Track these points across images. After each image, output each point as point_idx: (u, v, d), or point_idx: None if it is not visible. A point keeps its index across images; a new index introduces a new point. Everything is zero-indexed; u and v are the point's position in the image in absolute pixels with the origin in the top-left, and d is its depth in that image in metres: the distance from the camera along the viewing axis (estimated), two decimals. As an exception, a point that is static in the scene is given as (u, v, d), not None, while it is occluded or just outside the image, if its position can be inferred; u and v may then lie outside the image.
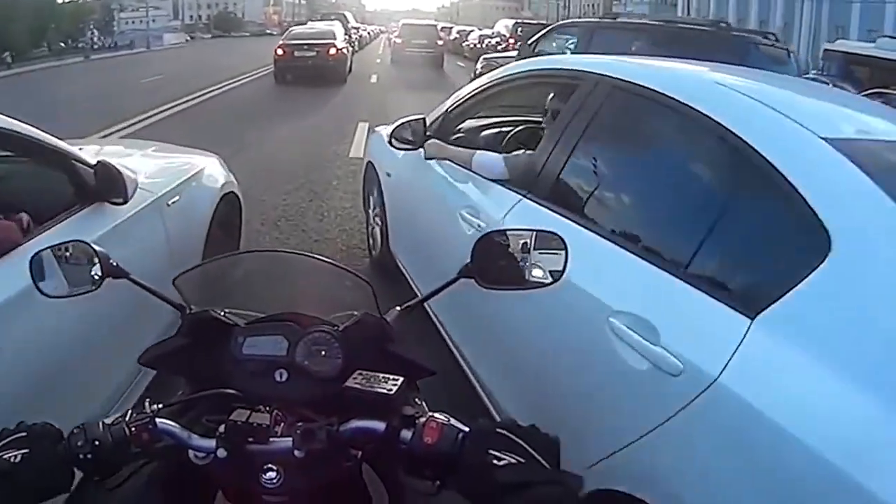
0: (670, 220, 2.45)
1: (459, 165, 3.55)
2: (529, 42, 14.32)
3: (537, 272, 1.60)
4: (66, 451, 1.22)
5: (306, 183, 8.84)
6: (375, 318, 1.56)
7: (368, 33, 57.63)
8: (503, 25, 31.44)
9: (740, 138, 2.14)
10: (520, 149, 3.68)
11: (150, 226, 3.52)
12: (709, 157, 2.42)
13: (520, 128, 4.39)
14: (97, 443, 1.22)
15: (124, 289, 1.67)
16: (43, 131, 2.87)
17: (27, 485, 1.16)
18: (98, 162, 3.06)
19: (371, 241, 5.92)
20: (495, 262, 1.61)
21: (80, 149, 3.87)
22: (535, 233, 1.62)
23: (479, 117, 4.71)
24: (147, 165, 4.10)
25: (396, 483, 1.49)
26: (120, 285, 1.65)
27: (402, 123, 4.19)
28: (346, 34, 27.26)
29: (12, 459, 1.17)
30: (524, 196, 3.01)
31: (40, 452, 1.20)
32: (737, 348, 1.79)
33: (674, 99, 2.47)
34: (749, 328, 1.80)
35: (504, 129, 4.59)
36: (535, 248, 1.60)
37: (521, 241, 1.61)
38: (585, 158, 2.86)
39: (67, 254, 1.68)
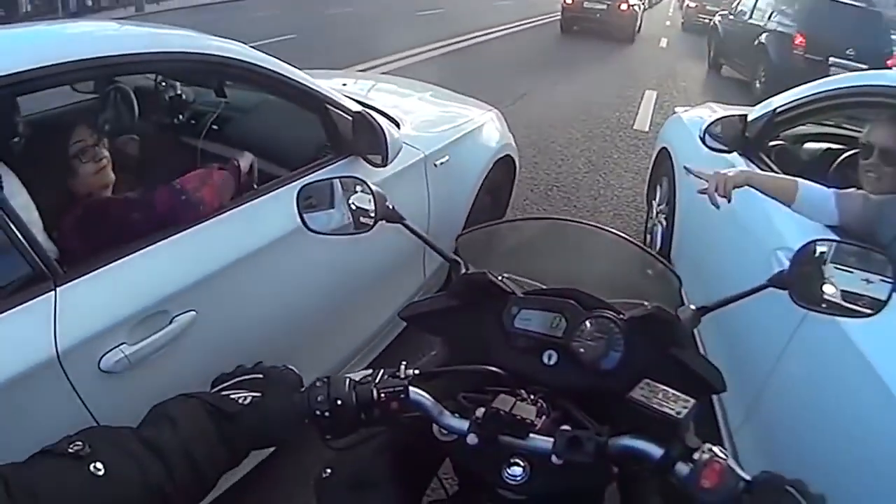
0: None
1: (774, 198, 2.72)
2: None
3: (843, 295, 1.40)
4: (304, 402, 1.18)
5: (584, 151, 8.42)
6: (668, 315, 1.41)
7: (660, -8, 55.31)
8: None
9: None
10: (849, 176, 3.07)
11: (410, 187, 3.32)
12: None
13: (852, 152, 3.57)
14: (339, 401, 1.18)
15: (387, 236, 1.67)
16: (295, 67, 2.69)
17: (251, 430, 1.14)
18: (357, 112, 2.86)
19: (649, 238, 5.38)
20: (815, 276, 1.42)
21: (344, 84, 3.88)
22: (854, 250, 1.45)
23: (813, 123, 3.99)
24: (418, 114, 3.90)
25: None
26: (385, 231, 1.62)
27: (717, 120, 3.60)
28: (639, -11, 26.02)
29: (241, 401, 1.15)
30: None
31: (275, 399, 1.18)
32: None
33: None
34: None
35: (833, 146, 3.88)
36: (846, 266, 1.41)
37: (832, 256, 1.42)
38: None
39: (340, 190, 1.63)
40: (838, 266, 1.42)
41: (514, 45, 18.01)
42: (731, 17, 16.71)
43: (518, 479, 1.23)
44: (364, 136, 2.85)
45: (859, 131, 3.93)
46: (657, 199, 5.26)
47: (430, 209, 3.43)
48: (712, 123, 3.57)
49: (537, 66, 14.53)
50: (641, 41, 22.05)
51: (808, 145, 4.03)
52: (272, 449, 2.27)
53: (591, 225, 1.86)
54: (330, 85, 3.05)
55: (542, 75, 13.13)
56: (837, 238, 1.56)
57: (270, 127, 3.15)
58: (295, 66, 2.68)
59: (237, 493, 2.23)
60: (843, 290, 1.41)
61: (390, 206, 1.61)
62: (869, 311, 1.38)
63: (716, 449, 1.13)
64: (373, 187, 1.60)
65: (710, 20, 19.31)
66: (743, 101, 13.06)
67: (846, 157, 3.54)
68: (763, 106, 3.69)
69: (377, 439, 1.39)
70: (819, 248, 1.43)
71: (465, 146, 3.93)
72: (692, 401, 1.22)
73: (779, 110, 3.51)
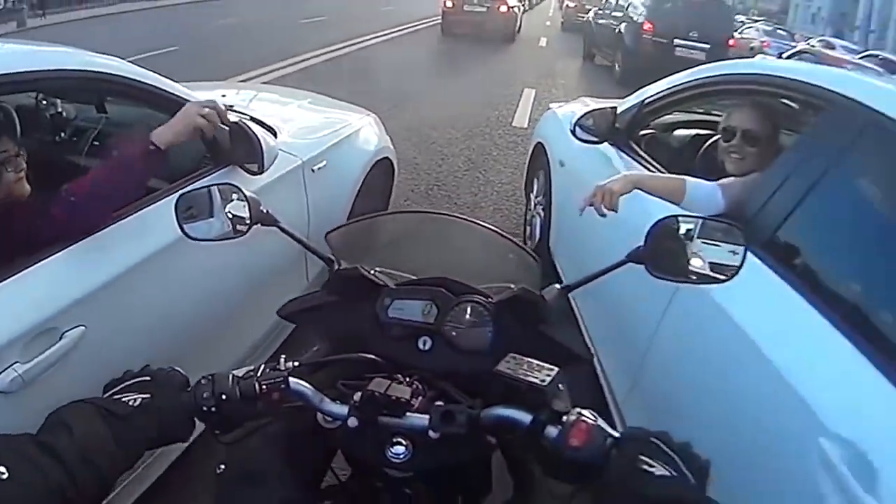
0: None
1: (664, 199, 2.71)
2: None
3: (711, 266, 1.51)
4: (191, 400, 1.21)
5: (464, 150, 8.46)
6: (533, 295, 1.51)
7: (540, -8, 56.14)
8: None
9: None
10: (714, 165, 3.15)
11: (289, 193, 3.33)
12: None
13: (717, 137, 3.74)
14: (224, 396, 1.21)
15: (269, 240, 1.71)
16: (169, 78, 2.67)
17: (144, 430, 1.16)
18: (234, 123, 2.83)
19: (528, 229, 5.49)
20: (669, 249, 1.51)
21: (223, 95, 3.90)
22: (715, 223, 1.55)
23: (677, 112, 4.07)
24: (295, 122, 3.89)
25: (528, 478, 1.45)
26: (266, 235, 1.66)
27: (588, 112, 3.67)
28: (518, -9, 26.39)
29: (131, 403, 1.17)
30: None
31: (162, 399, 1.20)
32: None
33: None
34: None
35: (700, 132, 3.97)
36: (711, 241, 1.52)
37: (700, 232, 1.52)
38: (824, 213, 2.29)
39: (218, 197, 1.65)
40: (705, 240, 1.52)
41: (397, 49, 18.04)
42: (601, 12, 19.11)
43: (402, 457, 1.29)
44: (241, 146, 2.84)
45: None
46: (534, 192, 5.36)
47: (310, 213, 3.41)
48: (583, 116, 3.63)
49: (419, 69, 14.64)
50: (521, 41, 22.41)
51: (678, 132, 4.14)
52: (181, 449, 2.47)
53: (454, 216, 1.92)
54: (209, 96, 3.00)
55: (423, 78, 13.24)
56: (687, 214, 1.63)
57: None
58: (174, 80, 2.66)
59: (148, 496, 2.38)
60: (710, 262, 1.51)
61: (264, 211, 1.63)
62: (723, 277, 1.49)
63: (584, 411, 1.19)
64: (247, 193, 1.62)
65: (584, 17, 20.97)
66: (610, 85, 14.56)
67: (712, 142, 3.66)
68: (633, 98, 3.77)
69: (266, 430, 1.41)
70: (685, 226, 1.53)
71: (342, 151, 3.95)
72: (556, 369, 1.28)
73: (647, 101, 3.59)
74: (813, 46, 25.43)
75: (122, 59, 2.47)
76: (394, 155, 4.78)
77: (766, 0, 64.13)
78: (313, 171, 3.51)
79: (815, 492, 1.60)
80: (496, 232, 1.80)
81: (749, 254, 2.00)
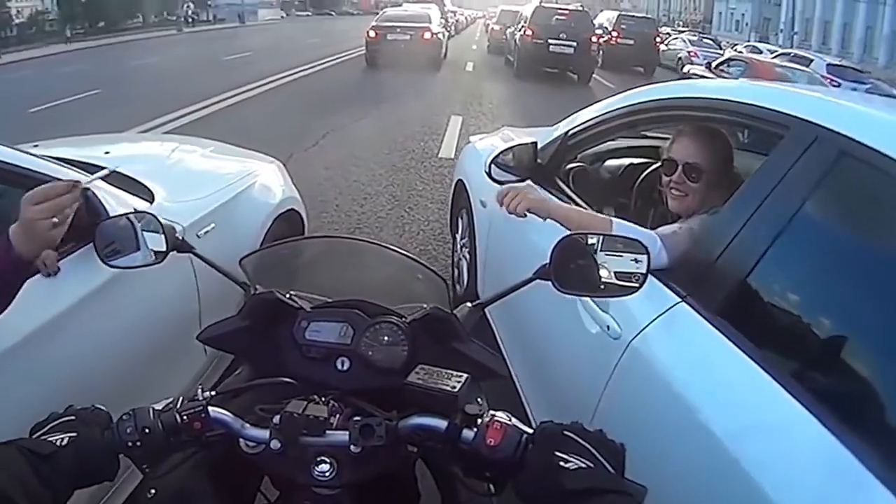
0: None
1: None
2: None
3: (617, 279, 1.55)
4: (114, 437, 1.20)
5: (388, 187, 8.00)
6: (445, 314, 1.56)
7: (465, 17, 56.10)
8: (605, 18, 29.75)
9: None
10: (654, 197, 2.94)
11: (169, 267, 2.75)
12: None
13: (656, 166, 3.31)
14: (146, 430, 1.21)
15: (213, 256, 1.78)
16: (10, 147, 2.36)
17: (69, 469, 1.14)
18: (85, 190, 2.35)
19: (456, 272, 5.07)
20: (574, 266, 1.56)
21: (107, 152, 3.64)
22: (618, 239, 1.58)
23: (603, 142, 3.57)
24: (180, 180, 3.45)
25: (451, 481, 1.49)
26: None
27: (506, 149, 3.22)
28: (441, 17, 26.22)
29: (58, 443, 1.15)
30: (683, 299, 2.05)
31: (87, 437, 1.18)
32: None
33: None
34: None
35: (635, 161, 3.58)
36: (615, 252, 1.55)
37: (602, 246, 1.56)
38: (794, 262, 1.90)
39: (135, 225, 1.70)
40: (609, 253, 1.55)
41: (320, 83, 17.60)
42: (513, 29, 23.75)
43: (327, 474, 1.30)
44: (94, 220, 2.35)
45: (663, 138, 3.66)
46: (459, 232, 4.99)
47: (199, 286, 2.97)
48: (499, 154, 3.19)
49: (342, 102, 14.04)
50: (447, 67, 22.29)
51: (609, 163, 3.74)
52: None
53: (364, 240, 2.00)
54: (90, 153, 3.14)
55: (346, 112, 12.64)
56: (591, 232, 1.62)
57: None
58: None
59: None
60: (616, 272, 1.55)
61: (180, 238, 1.70)
62: (635, 286, 1.55)
63: (498, 413, 1.23)
64: (161, 220, 1.68)
65: (507, 38, 25.77)
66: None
67: (650, 172, 3.26)
68: (553, 130, 3.37)
69: (192, 460, 1.40)
70: (590, 240, 1.56)
71: (236, 209, 3.49)
72: (465, 375, 1.32)
73: (569, 133, 3.18)
74: (740, 52, 25.73)
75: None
76: (301, 206, 4.31)
77: (690, 11, 65.43)
78: (198, 237, 3.05)
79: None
80: (404, 254, 1.83)
81: (702, 322, 1.92)
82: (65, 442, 1.16)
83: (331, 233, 6.04)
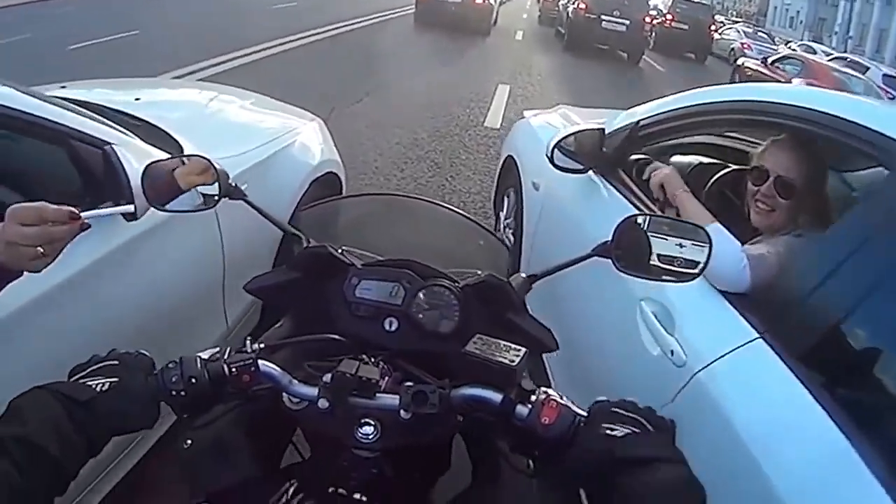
0: None
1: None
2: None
3: (677, 265, 1.49)
4: (158, 384, 1.19)
5: (430, 152, 7.80)
6: (500, 281, 1.53)
7: (517, -16, 55.48)
8: (661, 0, 29.17)
9: None
10: (725, 204, 2.69)
11: (191, 232, 2.67)
12: None
13: (729, 170, 3.05)
14: (193, 380, 1.20)
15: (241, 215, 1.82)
16: (43, 100, 2.17)
17: (108, 415, 1.12)
18: (106, 146, 2.25)
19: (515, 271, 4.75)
20: (635, 245, 1.50)
21: (137, 99, 3.39)
22: (682, 223, 1.57)
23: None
24: (214, 135, 3.25)
25: (494, 456, 1.45)
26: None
27: (570, 134, 2.98)
28: (494, -17, 25.83)
29: (97, 388, 1.13)
30: (761, 335, 1.85)
31: (129, 383, 1.17)
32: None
33: None
34: None
35: (705, 161, 3.29)
36: (676, 237, 1.50)
37: (666, 230, 1.52)
38: None
39: (185, 168, 1.65)
40: (655, 235, 1.50)
41: (368, 38, 17.20)
42: (566, 1, 23.31)
43: (371, 437, 1.28)
44: (112, 179, 2.19)
45: (741, 139, 3.40)
46: (504, 210, 4.73)
47: (225, 255, 2.79)
48: (564, 138, 2.96)
49: (387, 60, 13.82)
50: (497, 34, 21.78)
51: (676, 159, 3.41)
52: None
53: (426, 200, 2.00)
54: (120, 98, 3.02)
55: (391, 70, 12.42)
56: (656, 214, 1.68)
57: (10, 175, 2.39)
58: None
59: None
60: (659, 254, 1.49)
61: (233, 184, 1.66)
62: (693, 272, 1.48)
63: (550, 391, 1.23)
64: (216, 164, 1.62)
65: (559, 10, 25.62)
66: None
67: (724, 175, 3.01)
68: (624, 116, 3.10)
69: (233, 413, 1.42)
70: (640, 221, 1.52)
71: (271, 169, 3.25)
72: (523, 349, 1.32)
73: (642, 123, 2.92)
74: (794, 51, 25.15)
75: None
76: (341, 168, 4.08)
77: (744, 2, 64.36)
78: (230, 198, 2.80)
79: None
80: (466, 217, 1.82)
81: (781, 365, 1.73)
82: (106, 387, 1.13)
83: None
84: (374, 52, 14.83)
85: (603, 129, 3.02)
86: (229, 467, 1.40)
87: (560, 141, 2.94)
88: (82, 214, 1.58)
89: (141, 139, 2.50)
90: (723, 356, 1.89)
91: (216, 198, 1.63)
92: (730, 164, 3.11)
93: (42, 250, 1.26)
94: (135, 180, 2.05)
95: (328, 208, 2.11)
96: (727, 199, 2.80)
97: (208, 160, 1.62)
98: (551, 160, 2.92)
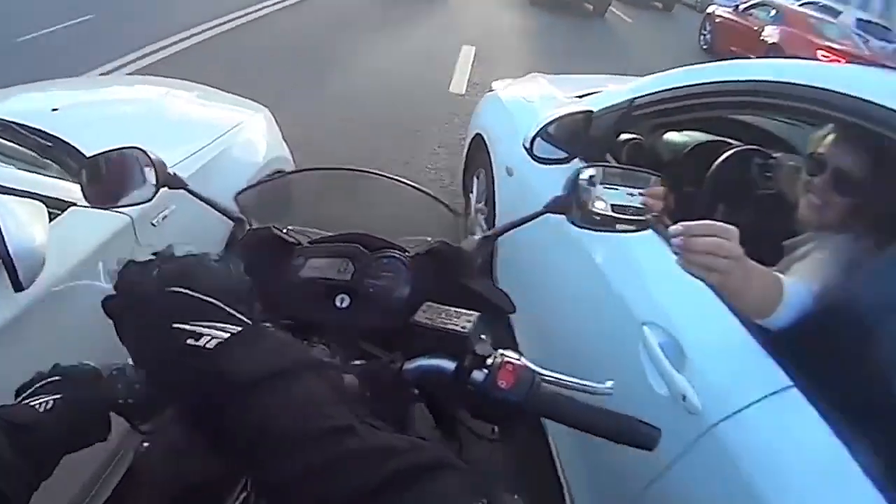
0: None
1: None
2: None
3: (631, 212, 1.47)
4: (105, 394, 1.16)
5: (391, 126, 7.22)
6: (451, 247, 1.52)
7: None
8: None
9: None
10: (733, 183, 2.51)
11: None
12: None
13: (736, 149, 2.66)
14: (137, 385, 1.17)
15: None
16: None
17: (56, 435, 1.05)
18: None
19: (466, 236, 4.30)
20: (588, 197, 1.47)
21: (54, 109, 3.02)
22: (633, 172, 1.53)
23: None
24: (145, 142, 2.69)
25: (452, 422, 1.45)
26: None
27: (552, 121, 2.52)
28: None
29: (40, 407, 1.06)
30: (795, 383, 1.60)
31: (74, 397, 1.11)
32: None
33: None
34: None
35: (708, 138, 2.92)
36: (630, 187, 1.48)
37: (619, 181, 1.49)
38: None
39: (121, 160, 1.60)
40: (607, 185, 1.47)
41: (330, 6, 16.50)
42: None
43: None
44: None
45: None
46: (474, 192, 4.33)
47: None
48: (545, 127, 2.52)
49: (343, 29, 12.96)
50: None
51: (670, 137, 3.06)
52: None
53: (367, 171, 1.87)
54: (36, 107, 2.94)
55: (348, 40, 11.73)
56: (608, 164, 1.73)
57: None
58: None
59: None
60: (612, 205, 1.47)
61: (171, 173, 1.59)
62: (644, 219, 1.47)
63: (508, 353, 1.18)
64: (151, 155, 1.56)
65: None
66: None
67: (729, 156, 2.62)
68: (613, 93, 2.70)
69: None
70: (588, 172, 1.47)
71: (207, 177, 2.79)
72: (475, 314, 1.29)
73: (637, 102, 2.52)
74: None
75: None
76: (290, 163, 3.72)
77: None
78: (154, 225, 2.45)
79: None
80: (411, 185, 1.76)
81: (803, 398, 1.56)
82: (50, 405, 1.06)
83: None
84: (329, 22, 13.84)
85: (590, 112, 2.59)
86: (186, 468, 1.36)
87: (541, 131, 2.51)
88: None
89: (42, 170, 2.30)
90: (750, 405, 1.65)
91: (155, 188, 1.55)
92: (729, 141, 2.79)
93: None
94: (22, 244, 1.77)
95: (270, 188, 2.06)
96: (734, 185, 2.50)
97: (143, 150, 1.56)
98: (530, 152, 2.48)
